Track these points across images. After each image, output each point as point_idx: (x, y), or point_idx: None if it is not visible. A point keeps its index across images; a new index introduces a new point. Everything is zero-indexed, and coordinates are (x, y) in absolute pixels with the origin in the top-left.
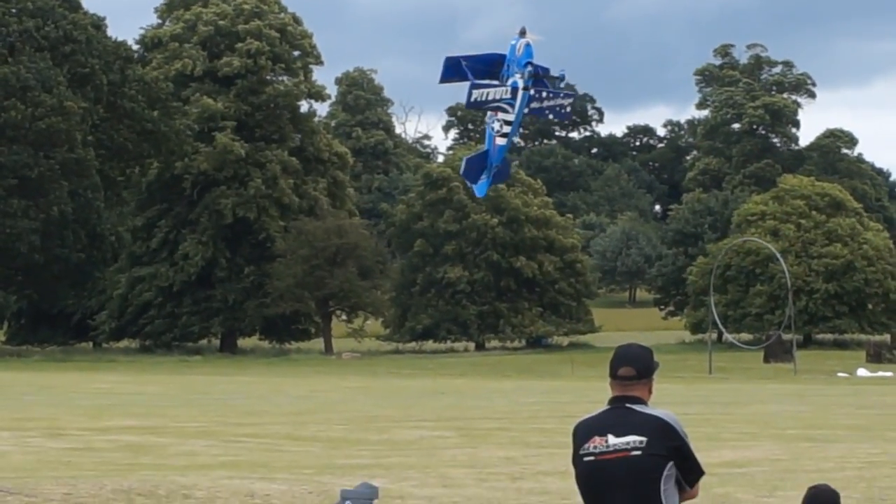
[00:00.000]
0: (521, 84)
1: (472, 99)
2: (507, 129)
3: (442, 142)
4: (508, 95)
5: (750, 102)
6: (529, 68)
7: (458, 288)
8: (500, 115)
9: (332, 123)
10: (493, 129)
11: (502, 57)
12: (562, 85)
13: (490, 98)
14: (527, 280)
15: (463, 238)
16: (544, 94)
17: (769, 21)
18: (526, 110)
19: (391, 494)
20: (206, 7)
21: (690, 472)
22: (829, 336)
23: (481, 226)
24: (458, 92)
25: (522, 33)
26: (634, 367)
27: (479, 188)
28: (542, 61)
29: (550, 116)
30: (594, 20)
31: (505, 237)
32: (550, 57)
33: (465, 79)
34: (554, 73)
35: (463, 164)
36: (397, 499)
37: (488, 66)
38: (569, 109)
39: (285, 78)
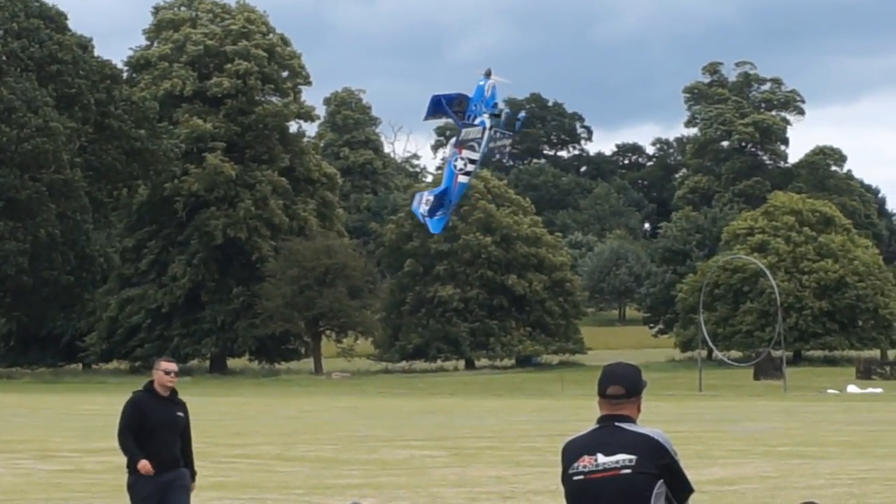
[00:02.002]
0: (488, 124)
1: (462, 138)
2: (471, 167)
3: (431, 161)
4: (479, 135)
5: (739, 120)
6: (507, 110)
7: (451, 306)
8: (465, 153)
9: (321, 143)
10: (454, 166)
11: (465, 96)
12: (518, 126)
13: (471, 137)
14: (517, 298)
15: (455, 257)
16: (497, 135)
17: (757, 38)
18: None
19: None
20: (195, 28)
21: (680, 490)
22: (819, 353)
23: (474, 245)
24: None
25: (488, 75)
26: (623, 385)
27: (435, 224)
28: (535, 82)
29: (497, 156)
30: (581, 39)
31: (499, 255)
32: (539, 77)
33: (446, 115)
34: (496, 108)
35: (415, 199)
36: None
37: (455, 104)
38: (508, 149)
39: (274, 98)
